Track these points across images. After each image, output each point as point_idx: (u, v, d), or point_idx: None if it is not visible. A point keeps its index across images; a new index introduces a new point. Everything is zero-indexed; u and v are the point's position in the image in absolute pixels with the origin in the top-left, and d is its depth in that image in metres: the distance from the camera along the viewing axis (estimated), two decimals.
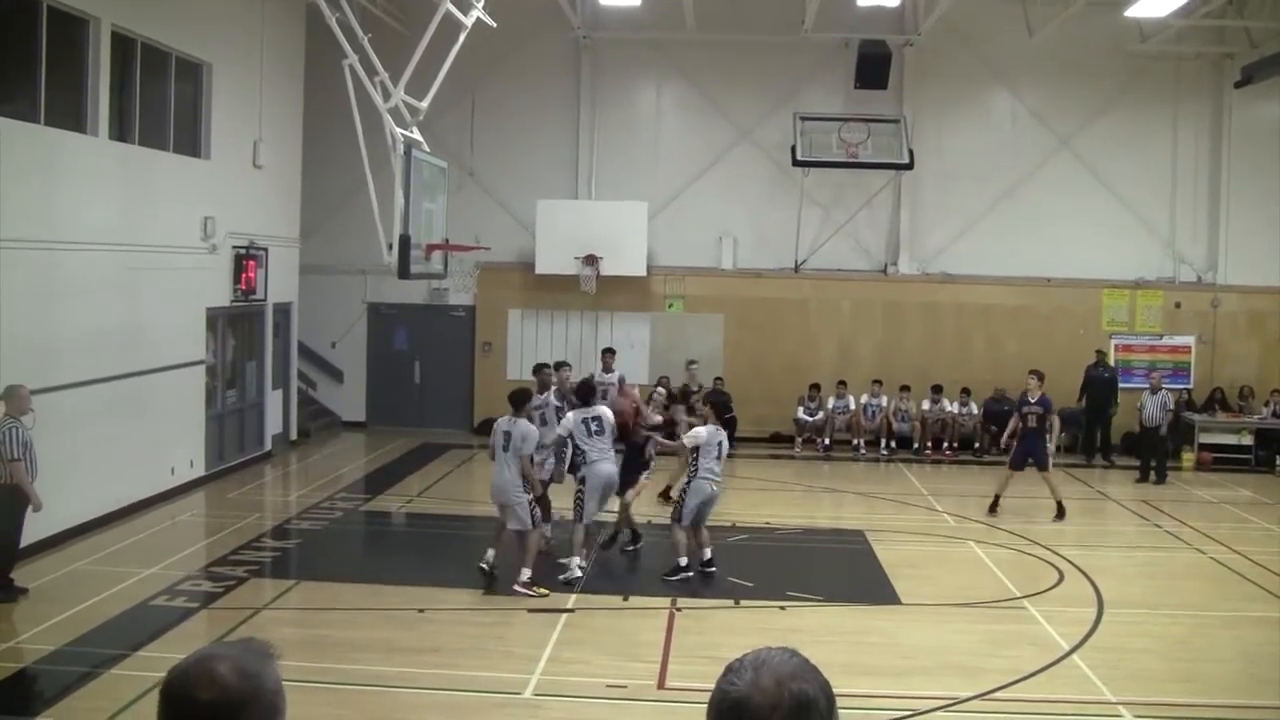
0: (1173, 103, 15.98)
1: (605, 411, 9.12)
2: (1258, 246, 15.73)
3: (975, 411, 15.40)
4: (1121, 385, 15.32)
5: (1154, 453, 13.97)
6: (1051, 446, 11.78)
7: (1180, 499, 13.29)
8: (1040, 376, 11.78)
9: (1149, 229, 15.99)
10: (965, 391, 15.29)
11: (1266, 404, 15.47)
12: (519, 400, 8.74)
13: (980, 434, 15.36)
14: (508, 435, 8.49)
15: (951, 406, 15.30)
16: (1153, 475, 13.93)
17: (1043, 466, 11.50)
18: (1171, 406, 14.40)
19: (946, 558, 10.22)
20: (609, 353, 13.49)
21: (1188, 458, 15.20)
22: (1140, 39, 15.54)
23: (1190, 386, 15.88)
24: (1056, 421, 12.00)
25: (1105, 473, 14.86)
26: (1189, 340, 15.99)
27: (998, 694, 6.70)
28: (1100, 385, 15.22)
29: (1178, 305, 15.99)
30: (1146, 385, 14.66)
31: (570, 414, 9.13)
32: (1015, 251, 15.72)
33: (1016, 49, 15.53)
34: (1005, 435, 12.26)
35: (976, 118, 16.10)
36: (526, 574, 8.44)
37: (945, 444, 15.22)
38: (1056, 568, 9.67)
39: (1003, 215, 15.84)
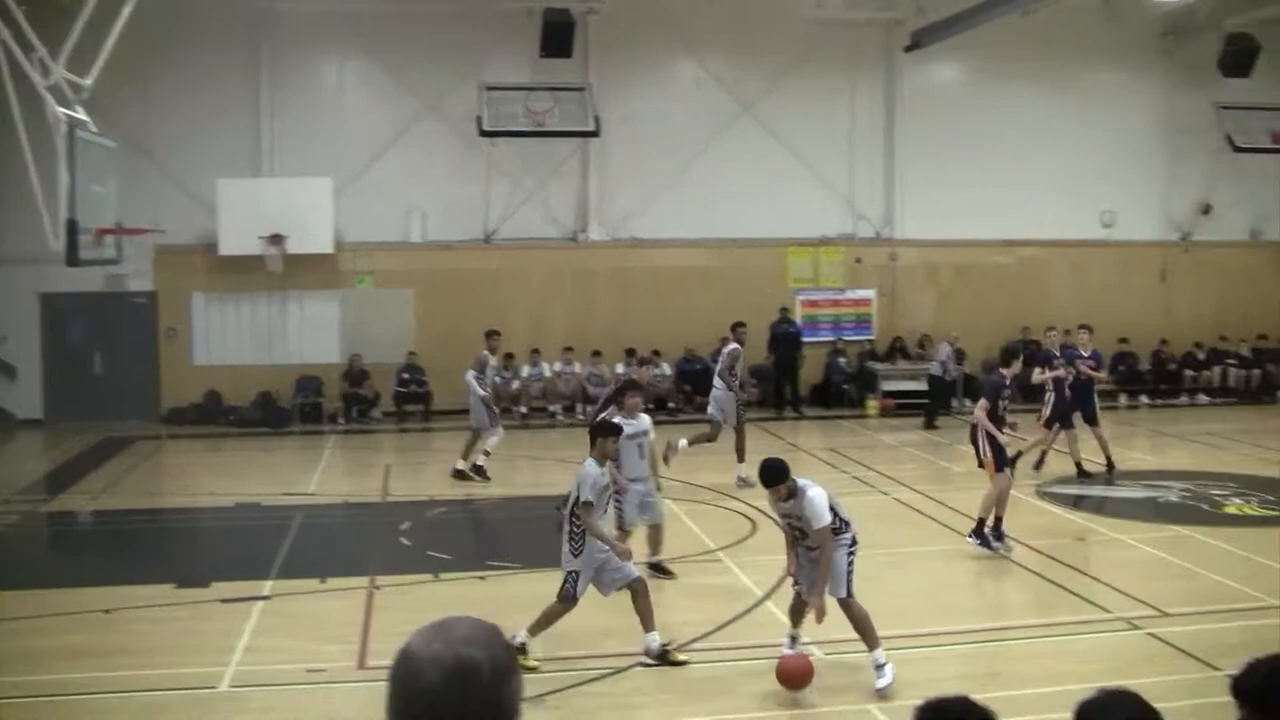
0: (849, 67, 22.80)
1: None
2: (930, 202, 22.78)
3: (668, 372, 21.89)
4: (806, 339, 22.19)
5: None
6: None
7: (866, 445, 19.58)
8: (1090, 330, 16.43)
9: (830, 188, 22.83)
10: (656, 353, 21.73)
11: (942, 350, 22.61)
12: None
13: (675, 393, 21.85)
14: None
15: (643, 368, 21.69)
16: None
17: (1093, 421, 16.04)
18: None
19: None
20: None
21: (871, 405, 22.19)
22: (816, 6, 22.22)
23: (873, 337, 22.86)
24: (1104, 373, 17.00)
25: (796, 424, 21.52)
26: (870, 294, 23.03)
27: (694, 645, 9.29)
28: (786, 340, 21.91)
29: (858, 260, 22.91)
30: (834, 338, 21.63)
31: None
32: (703, 214, 22.11)
33: (699, 16, 21.92)
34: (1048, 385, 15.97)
35: (661, 84, 22.47)
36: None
37: None
38: (750, 519, 13.46)
39: (690, 180, 22.16)
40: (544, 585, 9.36)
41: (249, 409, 21.17)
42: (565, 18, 21.37)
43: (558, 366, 21.53)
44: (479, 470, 15.93)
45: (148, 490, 16.68)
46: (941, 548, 12.77)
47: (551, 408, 21.42)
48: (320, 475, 17.22)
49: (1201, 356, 24.41)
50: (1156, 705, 3.52)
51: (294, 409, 21.25)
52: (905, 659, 8.84)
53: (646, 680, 8.73)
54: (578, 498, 8.81)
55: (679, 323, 21.87)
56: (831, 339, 22.65)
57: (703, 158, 22.31)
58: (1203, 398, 24.03)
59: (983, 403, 12.31)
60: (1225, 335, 24.53)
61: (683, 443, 14.98)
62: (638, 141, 22.09)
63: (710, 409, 15.67)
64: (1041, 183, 23.42)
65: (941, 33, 21.57)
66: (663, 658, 8.88)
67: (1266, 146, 24.10)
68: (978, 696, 5.17)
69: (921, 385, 22.12)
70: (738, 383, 15.76)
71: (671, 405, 21.70)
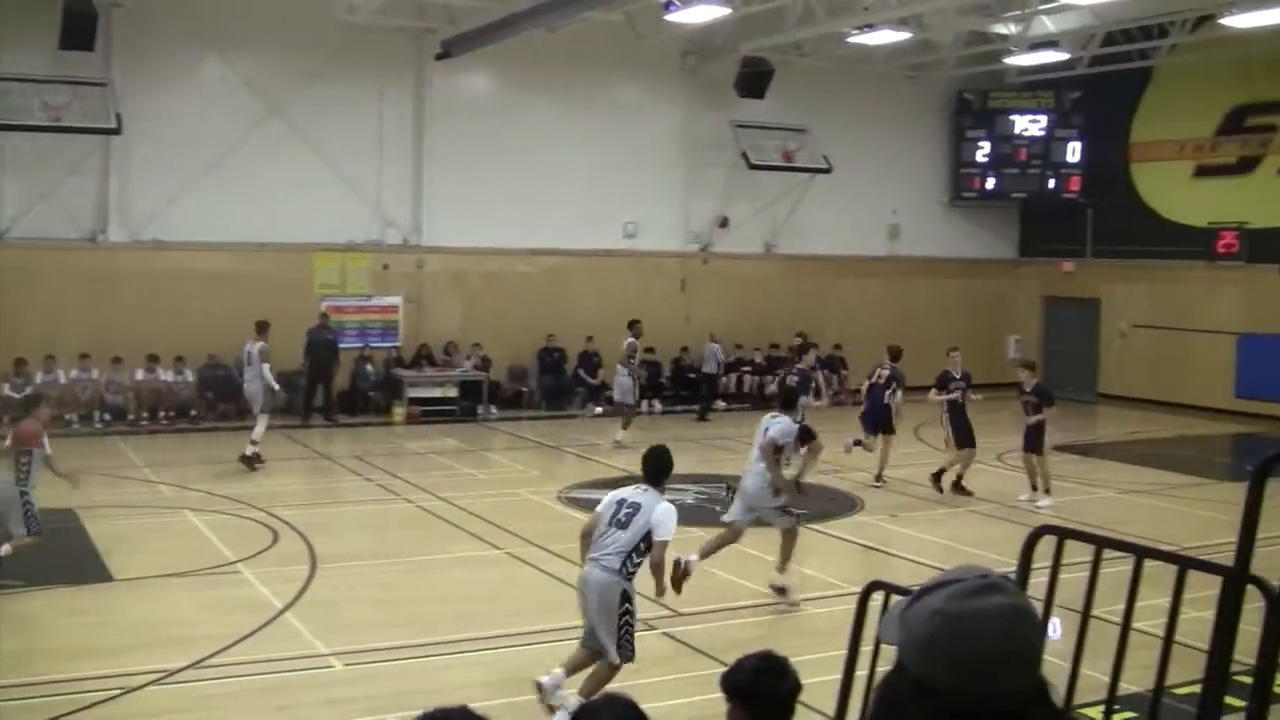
0: (379, 73, 28.27)
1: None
2: (459, 210, 28.73)
3: (190, 379, 26.80)
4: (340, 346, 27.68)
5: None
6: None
7: (393, 452, 24.21)
8: (1032, 367, 20.83)
9: (358, 194, 28.25)
10: (179, 360, 26.56)
11: (468, 357, 28.83)
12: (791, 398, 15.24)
13: (198, 401, 26.80)
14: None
15: (167, 375, 26.54)
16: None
17: (1037, 450, 19.58)
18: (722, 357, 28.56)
19: (164, 529, 16.60)
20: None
21: (398, 412, 27.98)
22: (348, 10, 27.40)
23: (399, 344, 28.68)
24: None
25: (329, 431, 26.62)
26: (397, 300, 28.87)
27: (211, 660, 10.81)
28: (323, 346, 27.15)
29: (386, 267, 28.60)
30: (360, 345, 27.23)
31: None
32: (230, 218, 26.79)
33: (229, 15, 26.59)
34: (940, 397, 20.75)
35: (189, 83, 27.06)
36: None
37: (162, 413, 26.45)
38: (272, 529, 16.14)
39: (217, 182, 26.77)
40: (53, 602, 12.77)
41: None
42: (87, 9, 24.89)
43: (74, 374, 25.91)
44: None
45: None
46: (465, 554, 15.77)
47: (68, 416, 25.82)
48: None
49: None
50: (670, 703, 7.38)
51: None
52: (428, 667, 11.22)
53: (160, 700, 10.26)
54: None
55: (203, 328, 26.46)
56: (359, 346, 28.21)
57: (231, 160, 26.97)
58: (720, 404, 31.32)
59: (933, 392, 19.66)
60: (740, 344, 32.00)
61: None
62: (163, 141, 26.38)
63: (615, 394, 26.00)
64: (567, 193, 29.82)
65: (472, 43, 27.07)
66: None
67: (778, 165, 31.78)
68: (497, 702, 9.44)
69: (450, 392, 28.16)
70: (635, 368, 26.15)
71: (194, 413, 26.57)
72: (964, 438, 20.33)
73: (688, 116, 31.67)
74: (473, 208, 28.86)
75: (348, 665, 11.19)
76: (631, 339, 25.79)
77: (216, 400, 26.55)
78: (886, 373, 21.58)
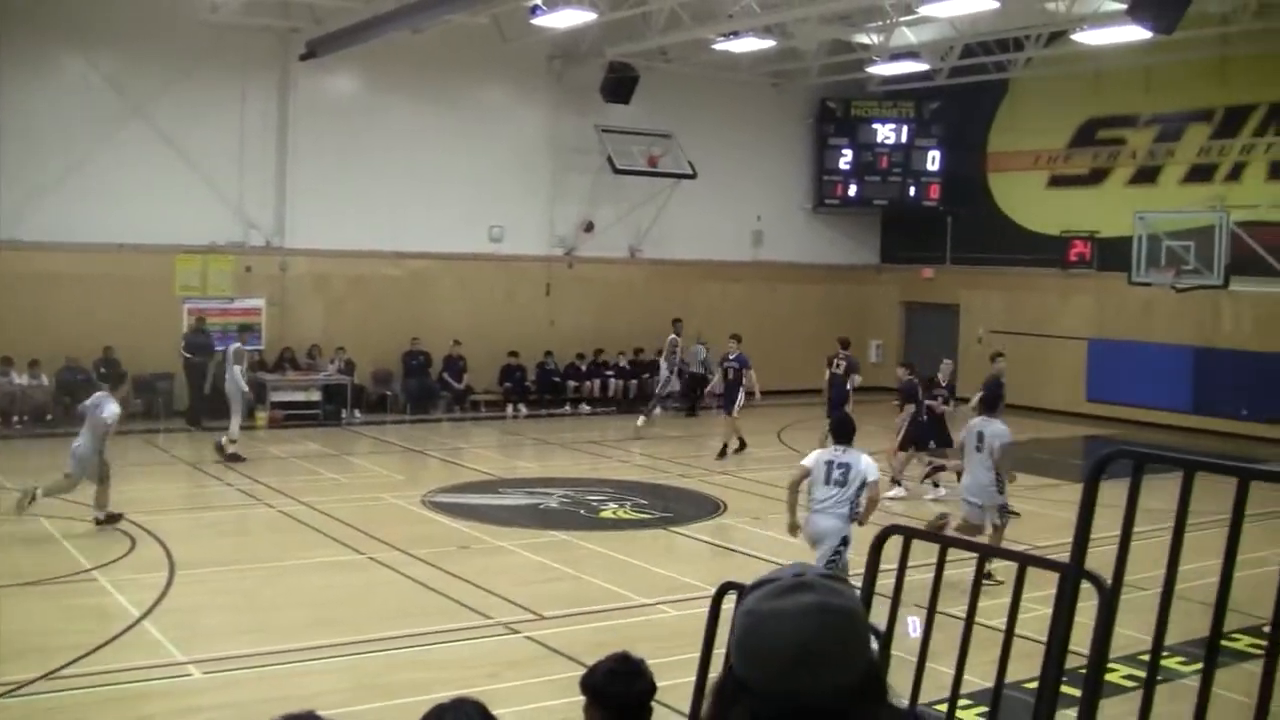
0: (243, 73, 28.00)
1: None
2: (323, 212, 28.57)
3: (46, 383, 26.28)
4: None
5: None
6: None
7: (255, 457, 23.68)
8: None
9: (221, 195, 27.95)
10: (35, 363, 26.02)
11: (332, 360, 28.65)
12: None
13: (53, 405, 26.28)
14: (980, 435, 14.89)
15: (21, 378, 26.00)
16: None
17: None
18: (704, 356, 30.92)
19: (15, 536, 16.17)
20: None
21: (260, 416, 27.69)
22: (211, 9, 27.08)
23: (262, 348, 28.41)
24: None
25: (192, 435, 25.91)
26: (259, 303, 28.61)
27: (64, 671, 10.65)
28: (202, 350, 26.65)
29: (248, 269, 28.38)
30: (222, 348, 26.92)
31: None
32: (91, 218, 26.33)
33: (92, 12, 26.12)
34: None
35: (50, 81, 26.42)
36: None
37: (15, 418, 25.89)
38: (130, 535, 16.00)
39: (77, 182, 26.26)
40: None
41: None
42: None
43: None
44: None
45: None
46: (327, 559, 15.69)
47: None
48: None
49: (583, 368, 31.91)
50: (532, 705, 7.57)
51: None
52: (288, 674, 11.17)
53: (11, 713, 10.15)
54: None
55: (61, 331, 26.07)
56: (220, 349, 27.79)
57: (91, 159, 26.55)
58: (584, 407, 31.47)
59: (939, 400, 21.05)
60: (604, 347, 32.18)
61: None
62: (22, 140, 25.92)
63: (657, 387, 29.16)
64: (433, 197, 29.83)
65: (336, 44, 26.91)
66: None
67: (642, 169, 32.04)
68: (358, 708, 9.74)
69: (313, 396, 27.98)
70: (676, 365, 29.14)
71: (50, 417, 26.06)
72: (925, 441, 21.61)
73: (554, 121, 31.81)
74: (338, 210, 28.73)
75: (207, 673, 11.11)
76: (673, 335, 29.00)
77: (74, 404, 25.90)
78: (844, 362, 23.98)
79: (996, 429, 15.02)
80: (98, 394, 17.59)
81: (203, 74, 27.63)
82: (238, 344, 23.58)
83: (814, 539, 12.37)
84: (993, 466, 14.81)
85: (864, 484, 12.27)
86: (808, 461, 12.64)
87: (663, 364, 29.25)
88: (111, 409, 16.97)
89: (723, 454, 24.63)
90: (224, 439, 23.06)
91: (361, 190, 29.01)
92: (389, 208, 29.32)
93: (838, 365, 24.21)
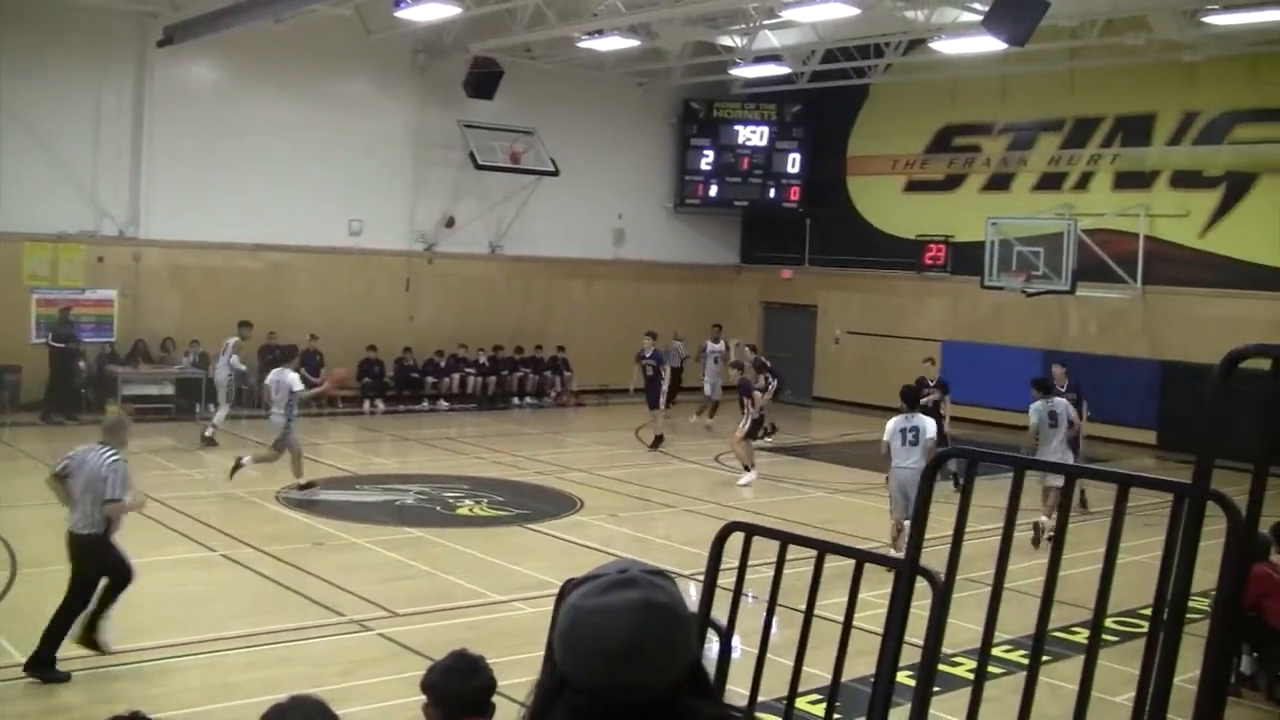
0: (99, 57, 27.44)
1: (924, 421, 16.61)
2: (180, 202, 28.18)
3: None
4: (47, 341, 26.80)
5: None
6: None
7: None
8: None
9: (72, 183, 27.44)
10: None
11: (186, 354, 28.26)
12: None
13: None
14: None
15: None
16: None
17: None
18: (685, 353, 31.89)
19: None
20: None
21: (111, 410, 27.15)
22: None
23: (113, 340, 27.95)
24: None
25: (41, 430, 25.49)
26: (112, 294, 28.12)
27: None
28: (68, 342, 26.06)
29: (100, 259, 27.88)
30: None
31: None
32: None
33: None
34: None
35: None
36: None
37: None
38: None
39: None
40: None
41: None
42: None
43: None
44: None
45: None
46: (180, 556, 15.48)
47: None
48: None
49: (442, 364, 31.81)
50: (385, 704, 7.64)
51: None
52: (143, 673, 11.17)
53: None
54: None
55: None
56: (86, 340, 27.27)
57: None
58: (443, 404, 31.37)
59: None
60: (464, 344, 32.10)
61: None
62: None
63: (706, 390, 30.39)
64: (293, 188, 29.52)
65: (196, 31, 26.44)
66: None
67: (504, 166, 32.00)
68: (209, 707, 9.91)
69: (166, 390, 27.57)
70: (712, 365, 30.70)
71: None
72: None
73: (417, 114, 31.68)
74: (194, 200, 28.34)
75: (75, 671, 10.97)
76: (708, 340, 31.35)
77: None
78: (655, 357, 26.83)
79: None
80: None
81: (56, 56, 27.01)
82: (237, 338, 25.25)
83: (904, 489, 15.58)
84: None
85: (928, 438, 15.94)
86: (886, 435, 16.33)
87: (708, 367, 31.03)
88: None
89: (656, 444, 25.96)
90: (210, 428, 24.45)
91: (220, 181, 28.59)
92: (248, 199, 28.95)
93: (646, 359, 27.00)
